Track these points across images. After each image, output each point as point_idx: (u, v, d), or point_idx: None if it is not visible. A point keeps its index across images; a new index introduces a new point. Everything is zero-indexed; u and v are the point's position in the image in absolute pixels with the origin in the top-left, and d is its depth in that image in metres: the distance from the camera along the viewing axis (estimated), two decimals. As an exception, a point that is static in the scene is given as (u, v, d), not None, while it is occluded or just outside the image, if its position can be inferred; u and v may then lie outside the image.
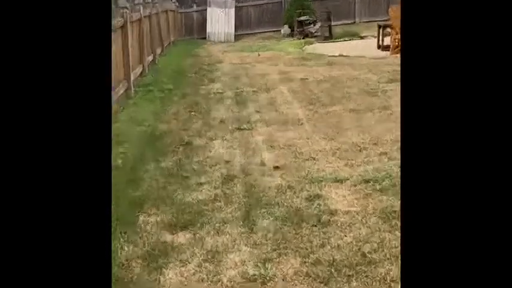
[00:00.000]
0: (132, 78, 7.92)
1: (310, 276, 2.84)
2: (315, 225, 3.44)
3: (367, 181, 4.11)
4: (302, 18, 17.15)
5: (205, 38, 18.80)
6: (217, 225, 3.51)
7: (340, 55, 11.96)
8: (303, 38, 16.60)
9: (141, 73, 9.17)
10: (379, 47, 12.21)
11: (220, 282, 2.84)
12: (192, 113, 6.87)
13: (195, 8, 18.87)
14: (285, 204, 3.83)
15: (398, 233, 3.15)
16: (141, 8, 10.16)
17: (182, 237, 3.36)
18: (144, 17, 9.77)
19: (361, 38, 15.14)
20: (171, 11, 15.47)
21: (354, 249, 3.13)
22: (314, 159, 4.85)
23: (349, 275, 2.82)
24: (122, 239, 3.30)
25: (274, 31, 19.27)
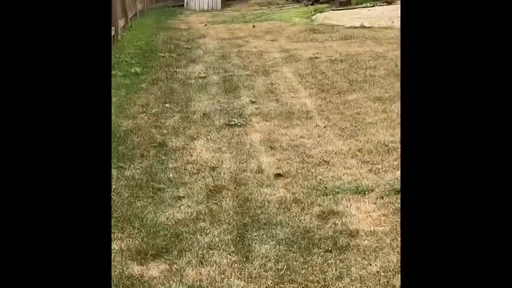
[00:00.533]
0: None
1: (324, 319, 2.84)
2: (330, 251, 3.44)
3: (398, 192, 4.12)
4: (310, -23, 17.22)
5: (183, 5, 18.84)
6: (200, 252, 3.51)
7: (362, 26, 12.01)
8: (312, 4, 16.67)
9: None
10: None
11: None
12: (166, 104, 6.87)
13: (169, -35, 18.90)
14: (290, 223, 3.83)
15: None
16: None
17: (155, 269, 3.36)
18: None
19: (389, 3, 15.17)
20: (137, -30, 15.48)
21: (381, 281, 3.13)
22: (328, 163, 4.86)
23: (375, 317, 2.82)
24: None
25: (273, -5, 19.31)
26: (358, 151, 5.10)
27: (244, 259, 3.41)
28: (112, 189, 4.42)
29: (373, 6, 15.24)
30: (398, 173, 4.49)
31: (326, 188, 4.36)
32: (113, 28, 10.65)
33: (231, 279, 3.21)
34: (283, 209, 4.06)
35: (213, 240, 3.65)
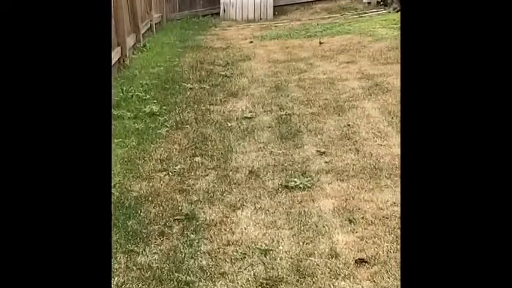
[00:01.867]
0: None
1: None
2: None
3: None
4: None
5: (218, 13, 19.22)
6: None
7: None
8: (405, 9, 16.71)
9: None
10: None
11: None
12: (196, 158, 6.96)
13: (198, -42, 19.34)
14: (380, 334, 3.80)
15: None
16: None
17: None
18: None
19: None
20: (153, -34, 15.91)
21: None
22: (434, 243, 4.81)
23: None
24: None
25: (349, -3, 19.50)
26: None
27: None
28: (120, 284, 4.47)
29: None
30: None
31: (432, 280, 4.31)
32: (118, 49, 10.95)
33: None
34: (370, 312, 4.03)
35: None
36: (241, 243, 5.03)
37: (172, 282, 4.50)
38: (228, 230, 5.27)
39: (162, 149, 7.31)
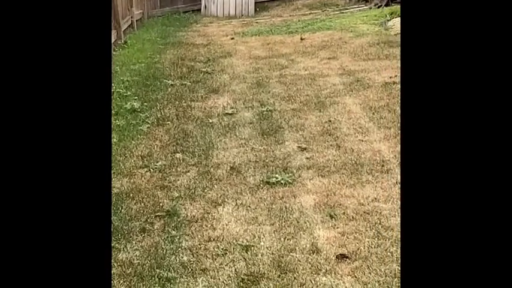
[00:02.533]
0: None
1: None
2: None
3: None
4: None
5: (199, 10, 19.21)
6: None
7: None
8: (387, 5, 16.80)
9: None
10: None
11: None
12: (177, 154, 6.95)
13: (179, -46, 19.34)
14: (362, 329, 3.82)
15: None
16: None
17: None
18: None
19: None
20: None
21: None
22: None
23: None
24: None
25: (330, -7, 19.52)
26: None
27: None
28: (100, 280, 4.47)
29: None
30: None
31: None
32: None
33: None
34: (351, 307, 4.05)
35: None
36: (222, 239, 5.03)
37: (153, 278, 4.50)
38: (209, 226, 5.28)
39: (143, 145, 7.30)
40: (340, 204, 5.53)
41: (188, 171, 6.49)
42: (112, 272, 4.58)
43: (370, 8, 17.11)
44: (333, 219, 5.27)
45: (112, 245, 4.94)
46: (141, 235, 5.15)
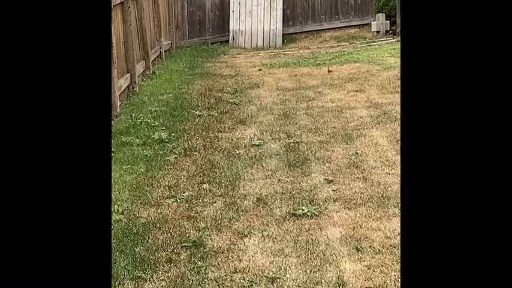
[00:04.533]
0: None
1: None
2: None
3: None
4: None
5: (227, 41, 19.31)
6: None
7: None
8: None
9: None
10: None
11: None
12: (204, 185, 6.97)
13: (207, -13, 19.48)
14: None
15: None
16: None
17: None
18: (114, 6, 10.15)
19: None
20: (163, -7, 16.02)
21: None
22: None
23: None
24: None
25: (358, 26, 19.61)
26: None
27: None
28: (126, 310, 4.48)
29: None
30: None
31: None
32: (127, 76, 11.01)
33: None
34: None
35: None
36: (248, 271, 5.03)
37: (179, 309, 4.50)
38: (235, 257, 5.28)
39: (170, 175, 7.33)
40: (366, 237, 5.52)
41: (215, 202, 6.50)
42: (138, 302, 4.60)
43: (398, 41, 17.12)
44: (359, 252, 5.26)
45: (139, 275, 4.97)
46: (168, 265, 5.16)
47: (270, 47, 18.90)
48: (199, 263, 5.19)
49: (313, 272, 4.97)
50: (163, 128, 9.23)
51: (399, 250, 5.18)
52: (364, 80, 12.24)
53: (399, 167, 7.14)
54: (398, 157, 7.52)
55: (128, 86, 11.15)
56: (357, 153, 7.82)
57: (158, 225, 5.95)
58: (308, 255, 5.25)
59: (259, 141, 8.60)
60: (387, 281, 4.76)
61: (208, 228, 5.86)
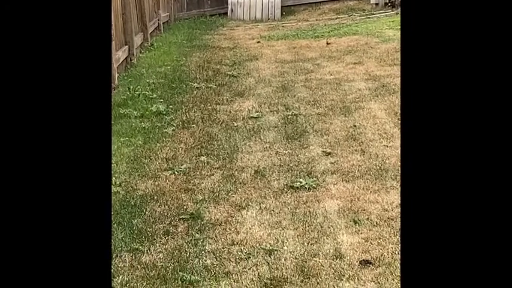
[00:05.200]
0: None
1: None
2: None
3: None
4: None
5: (226, 13, 19.24)
6: None
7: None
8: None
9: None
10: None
11: None
12: (202, 157, 6.96)
13: (206, -42, 19.37)
14: (384, 335, 3.81)
15: None
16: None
17: None
18: (112, -22, 10.10)
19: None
20: (161, -35, 15.94)
21: None
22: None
23: None
24: None
25: (356, -2, 19.49)
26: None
27: None
28: (124, 283, 4.48)
29: None
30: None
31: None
32: (125, 48, 10.97)
33: None
34: (374, 313, 4.03)
35: None
36: (246, 243, 5.03)
37: (176, 281, 4.50)
38: (233, 229, 5.28)
39: (168, 148, 7.32)
40: (364, 210, 5.51)
41: (212, 175, 6.50)
42: (135, 274, 4.60)
43: (397, 14, 17.06)
44: (357, 224, 5.26)
45: (136, 247, 4.97)
46: (165, 238, 5.16)
47: (268, 19, 18.84)
48: (197, 235, 5.19)
49: (311, 244, 4.97)
50: (161, 100, 9.22)
51: (397, 223, 5.20)
52: (363, 53, 12.21)
53: (397, 140, 7.18)
54: (397, 130, 7.52)
55: (126, 58, 11.12)
56: (355, 126, 7.81)
57: (156, 197, 5.95)
58: (305, 227, 5.25)
59: (257, 113, 8.58)
60: (384, 253, 4.76)
61: (206, 201, 5.85)
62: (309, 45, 13.54)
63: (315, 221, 5.35)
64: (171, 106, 8.96)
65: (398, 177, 6.13)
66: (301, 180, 6.19)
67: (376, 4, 18.78)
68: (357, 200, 5.73)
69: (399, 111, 8.15)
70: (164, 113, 8.64)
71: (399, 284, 4.35)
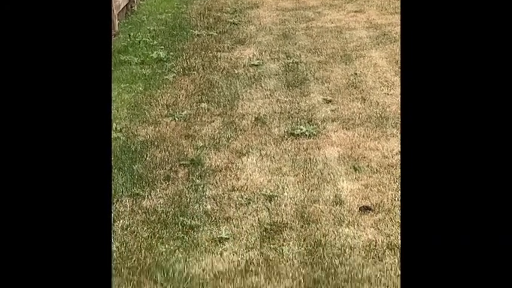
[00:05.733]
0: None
1: None
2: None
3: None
4: None
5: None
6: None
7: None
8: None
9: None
10: None
11: None
12: (202, 104, 6.94)
13: None
14: (384, 281, 3.83)
15: None
16: None
17: None
18: None
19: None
20: None
21: None
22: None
23: None
24: None
25: None
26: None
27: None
28: (125, 226, 4.50)
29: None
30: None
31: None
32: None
33: None
34: (373, 258, 4.05)
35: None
36: (246, 189, 5.04)
37: (177, 226, 4.52)
38: (233, 175, 5.28)
39: (168, 94, 7.29)
40: (364, 157, 5.52)
41: (213, 121, 6.48)
42: (136, 218, 4.62)
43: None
44: (357, 171, 5.26)
45: (137, 192, 4.98)
46: (166, 183, 5.17)
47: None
48: (197, 181, 5.20)
49: (311, 190, 4.98)
50: (162, 47, 9.16)
51: (397, 170, 5.21)
52: (364, 1, 12.08)
53: (398, 88, 7.14)
54: (397, 78, 7.49)
55: (126, 5, 11.03)
56: (355, 74, 7.77)
57: (156, 143, 5.94)
58: (306, 174, 5.26)
59: (258, 61, 8.53)
60: (384, 200, 4.77)
61: (206, 147, 5.85)
62: (311, -7, 13.43)
63: (315, 168, 5.35)
64: (171, 53, 8.90)
65: (399, 125, 6.13)
66: (301, 127, 6.18)
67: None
68: (357, 147, 5.73)
69: (400, 60, 8.13)
70: (165, 59, 8.59)
71: (399, 230, 4.37)
